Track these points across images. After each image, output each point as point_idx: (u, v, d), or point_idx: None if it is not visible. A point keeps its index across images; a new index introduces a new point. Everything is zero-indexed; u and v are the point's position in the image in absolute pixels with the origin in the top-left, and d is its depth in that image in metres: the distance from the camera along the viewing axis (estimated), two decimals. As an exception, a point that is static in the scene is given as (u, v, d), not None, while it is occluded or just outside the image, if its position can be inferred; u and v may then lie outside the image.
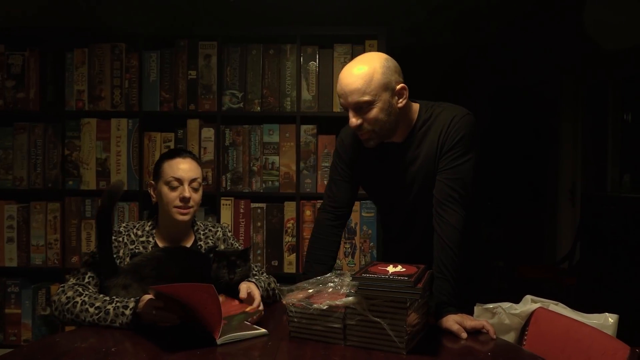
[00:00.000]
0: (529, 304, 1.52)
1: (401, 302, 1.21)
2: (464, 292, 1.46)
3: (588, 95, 4.65)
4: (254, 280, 1.55)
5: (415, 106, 1.54)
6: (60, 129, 2.59)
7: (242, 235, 2.56)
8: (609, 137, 4.19)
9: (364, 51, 2.55)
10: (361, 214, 2.53)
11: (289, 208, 2.56)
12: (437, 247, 1.45)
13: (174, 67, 2.59)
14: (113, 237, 1.59)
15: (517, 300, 1.56)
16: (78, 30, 2.65)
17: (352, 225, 2.52)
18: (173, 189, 1.59)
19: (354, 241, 2.54)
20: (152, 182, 1.67)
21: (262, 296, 1.50)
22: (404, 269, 1.29)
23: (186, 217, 1.61)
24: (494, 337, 1.35)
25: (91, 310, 1.39)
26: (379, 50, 2.53)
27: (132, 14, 3.19)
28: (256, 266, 1.71)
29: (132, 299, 1.38)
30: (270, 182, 2.57)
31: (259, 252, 2.56)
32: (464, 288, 1.47)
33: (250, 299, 1.45)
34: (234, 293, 1.46)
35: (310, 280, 1.41)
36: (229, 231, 1.77)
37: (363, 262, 2.53)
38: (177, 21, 3.33)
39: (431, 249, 1.47)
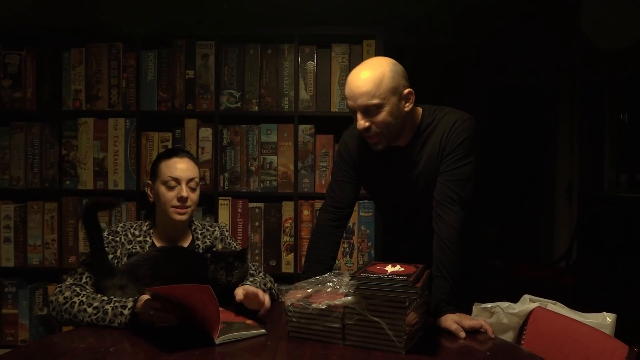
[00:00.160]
0: (527, 303, 1.52)
1: (400, 301, 1.21)
2: (462, 291, 1.47)
3: (585, 95, 4.66)
4: (248, 282, 1.54)
5: (419, 110, 1.57)
6: (57, 128, 2.58)
7: (240, 235, 2.56)
8: (606, 137, 4.20)
9: (361, 51, 2.56)
10: (359, 214, 2.53)
11: (287, 208, 2.56)
12: (436, 247, 1.47)
13: (171, 66, 2.58)
14: (110, 237, 1.59)
15: (514, 299, 1.57)
16: (75, 30, 2.64)
17: (350, 225, 2.52)
18: (170, 188, 1.59)
19: (352, 241, 2.54)
20: (150, 182, 1.67)
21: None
22: (402, 269, 1.29)
23: (184, 217, 1.60)
24: (493, 336, 1.36)
25: (89, 310, 1.38)
26: (376, 50, 2.54)
27: (129, 13, 3.18)
28: (253, 265, 1.71)
29: (130, 298, 1.38)
30: (268, 182, 2.57)
31: (256, 252, 2.56)
32: (462, 287, 1.48)
33: (250, 298, 1.43)
34: (231, 294, 1.46)
35: (309, 280, 1.41)
36: (227, 231, 1.77)
37: (361, 262, 2.53)
38: (175, 20, 3.33)
39: (431, 250, 1.48)
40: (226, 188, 2.58)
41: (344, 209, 1.68)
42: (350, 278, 1.29)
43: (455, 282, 1.43)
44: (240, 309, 1.43)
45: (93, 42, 2.59)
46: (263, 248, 2.56)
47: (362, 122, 1.46)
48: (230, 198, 2.57)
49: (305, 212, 2.55)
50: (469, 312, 1.51)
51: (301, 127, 2.56)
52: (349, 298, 1.27)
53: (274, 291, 1.64)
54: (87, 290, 1.47)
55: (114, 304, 1.37)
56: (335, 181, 1.69)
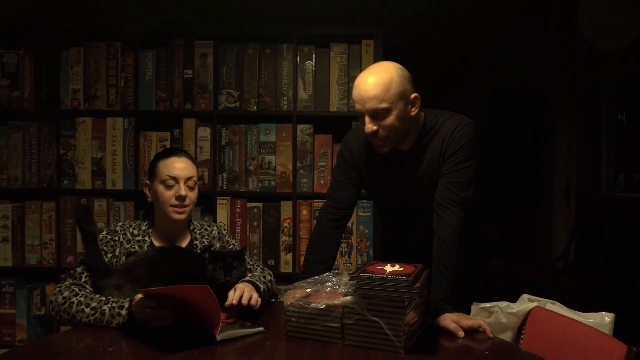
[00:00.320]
0: (525, 303, 1.52)
1: (399, 301, 1.21)
2: (460, 290, 1.48)
3: (583, 95, 4.67)
4: (250, 278, 1.54)
5: (422, 114, 1.58)
6: (55, 128, 2.58)
7: (239, 234, 2.55)
8: (604, 137, 4.21)
9: (360, 51, 2.56)
10: (358, 214, 2.53)
11: (286, 207, 2.56)
12: (435, 247, 1.49)
13: (170, 66, 2.58)
14: (109, 237, 1.59)
15: (512, 299, 1.57)
16: (73, 29, 2.64)
17: (349, 224, 2.51)
18: (169, 187, 1.59)
19: (350, 240, 2.54)
20: (148, 181, 1.67)
21: (263, 290, 1.52)
22: (401, 269, 1.30)
23: (182, 216, 1.60)
24: (491, 336, 1.36)
25: (87, 310, 1.38)
26: (375, 50, 2.54)
27: (128, 12, 3.17)
28: (251, 260, 1.72)
29: (127, 298, 1.38)
30: (266, 182, 2.57)
31: (255, 251, 2.56)
32: (461, 287, 1.49)
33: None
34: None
35: (308, 280, 1.41)
36: (225, 229, 1.77)
37: (359, 262, 2.53)
38: (173, 20, 3.32)
39: (430, 250, 1.49)
40: (224, 188, 2.58)
41: (344, 210, 1.70)
42: (349, 278, 1.29)
43: (454, 282, 1.44)
44: (238, 311, 1.42)
45: (91, 42, 2.59)
46: (261, 248, 2.56)
47: (370, 126, 1.47)
48: (228, 198, 2.56)
49: (304, 212, 2.55)
50: (467, 311, 1.51)
51: (300, 126, 2.56)
52: (348, 298, 1.27)
53: (273, 285, 1.63)
54: (86, 290, 1.46)
55: (111, 304, 1.37)
56: (337, 182, 1.70)
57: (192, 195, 1.63)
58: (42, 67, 2.59)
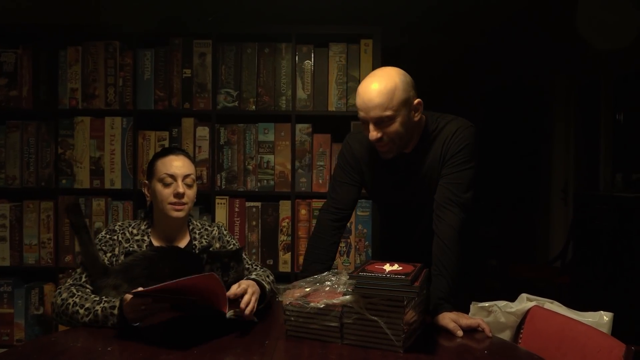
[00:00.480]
0: (524, 302, 1.53)
1: (398, 300, 1.21)
2: (459, 290, 1.49)
3: (580, 95, 4.68)
4: (256, 277, 1.53)
5: (423, 117, 1.59)
6: (53, 127, 2.57)
7: (237, 234, 2.55)
8: (601, 137, 4.22)
9: (359, 50, 2.56)
10: (356, 213, 2.53)
11: (284, 207, 2.56)
12: (435, 247, 1.50)
13: (168, 65, 2.57)
14: (108, 236, 1.59)
15: (511, 299, 1.57)
16: (72, 28, 2.63)
17: (348, 224, 2.51)
18: (167, 185, 1.59)
19: (349, 240, 2.54)
20: (146, 181, 1.67)
21: (268, 290, 1.52)
22: (400, 268, 1.30)
23: (181, 214, 1.60)
24: (490, 335, 1.37)
25: (81, 311, 1.38)
26: (374, 49, 2.54)
27: (126, 11, 3.17)
28: (250, 260, 1.71)
29: (118, 298, 1.38)
30: (265, 181, 2.57)
31: (253, 251, 2.56)
32: (460, 286, 1.50)
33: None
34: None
35: (308, 279, 1.41)
36: (225, 229, 1.77)
37: (358, 261, 2.53)
38: (172, 19, 3.32)
39: (429, 251, 1.50)
40: (223, 187, 2.57)
41: (345, 210, 1.71)
42: (348, 277, 1.30)
43: (453, 281, 1.45)
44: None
45: (90, 41, 2.58)
46: (260, 247, 2.56)
47: (374, 133, 1.48)
48: (227, 197, 2.56)
49: (303, 212, 2.55)
50: (466, 311, 1.52)
51: (298, 126, 2.56)
52: (348, 297, 1.27)
53: (273, 285, 1.62)
54: (85, 290, 1.46)
55: (103, 304, 1.37)
56: (338, 182, 1.71)
57: (191, 193, 1.63)
58: (40, 66, 2.59)
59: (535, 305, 1.49)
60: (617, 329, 1.40)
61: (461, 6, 3.58)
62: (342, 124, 2.55)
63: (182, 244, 1.66)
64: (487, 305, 1.53)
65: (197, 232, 1.70)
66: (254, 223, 2.56)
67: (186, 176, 1.62)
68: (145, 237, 1.62)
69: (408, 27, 4.00)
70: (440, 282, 1.45)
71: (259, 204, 2.56)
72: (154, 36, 2.61)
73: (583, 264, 3.82)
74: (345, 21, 3.19)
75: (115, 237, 1.59)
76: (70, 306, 1.40)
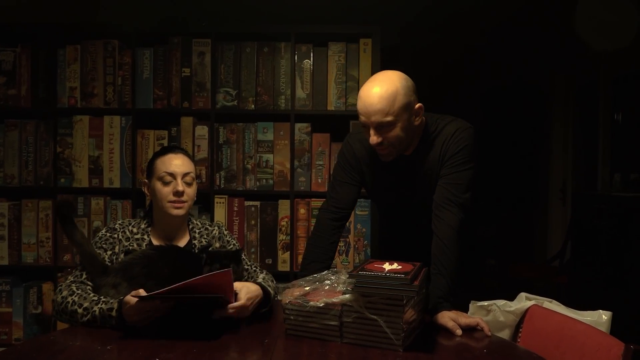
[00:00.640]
0: (523, 301, 1.53)
1: (398, 299, 1.22)
2: (458, 289, 1.49)
3: (579, 95, 4.68)
4: (263, 283, 1.53)
5: (423, 120, 1.60)
6: (52, 126, 2.57)
7: (236, 233, 2.55)
8: (600, 137, 4.22)
9: (358, 50, 2.56)
10: (355, 212, 2.53)
11: (283, 206, 2.56)
12: (434, 246, 1.50)
13: (167, 64, 2.57)
14: (109, 234, 1.59)
15: (509, 298, 1.57)
16: (70, 27, 2.63)
17: (347, 223, 2.51)
18: (166, 184, 1.59)
19: (348, 239, 2.54)
20: (146, 180, 1.67)
21: (272, 297, 1.51)
22: (400, 267, 1.30)
23: (180, 212, 1.60)
24: (489, 334, 1.37)
25: (80, 311, 1.38)
26: (373, 48, 2.54)
27: (125, 10, 3.16)
28: (249, 261, 1.71)
29: (115, 300, 1.37)
30: (264, 180, 2.57)
31: (252, 250, 2.56)
32: (458, 285, 1.50)
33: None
34: None
35: (307, 278, 1.41)
36: (225, 229, 1.77)
37: (357, 260, 2.53)
38: (171, 17, 3.32)
39: (428, 251, 1.50)
40: (222, 186, 2.57)
41: (345, 210, 1.71)
42: (348, 276, 1.30)
43: (452, 280, 1.46)
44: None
45: (88, 40, 2.58)
46: (259, 246, 2.56)
47: (374, 138, 1.49)
48: (226, 196, 2.56)
49: (302, 211, 2.55)
50: (465, 310, 1.52)
51: (297, 125, 2.56)
52: (347, 296, 1.27)
53: (276, 292, 1.61)
54: (86, 288, 1.45)
55: (101, 305, 1.36)
56: (338, 182, 1.72)
57: (190, 192, 1.63)
58: (39, 65, 2.58)
59: (534, 305, 1.49)
60: (616, 328, 1.40)
61: (460, 6, 3.58)
62: (341, 123, 2.55)
63: (182, 243, 1.66)
64: (486, 304, 1.53)
65: (197, 231, 1.70)
66: (253, 222, 2.56)
67: (185, 174, 1.62)
68: (145, 236, 1.62)
69: (407, 27, 4.00)
70: (440, 281, 1.45)
71: (258, 203, 2.56)
72: (153, 35, 2.61)
73: (581, 263, 3.82)
74: (344, 21, 3.18)
75: (116, 236, 1.59)
76: (70, 305, 1.39)
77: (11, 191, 2.59)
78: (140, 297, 1.28)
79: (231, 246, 1.72)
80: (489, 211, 5.23)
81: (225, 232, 1.74)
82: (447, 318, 1.38)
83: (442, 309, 1.41)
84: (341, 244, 2.53)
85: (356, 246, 2.55)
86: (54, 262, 2.55)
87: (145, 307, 1.30)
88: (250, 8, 3.34)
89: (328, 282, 1.36)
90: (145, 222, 1.65)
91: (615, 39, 3.49)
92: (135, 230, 1.62)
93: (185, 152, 1.68)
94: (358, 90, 1.55)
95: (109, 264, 1.53)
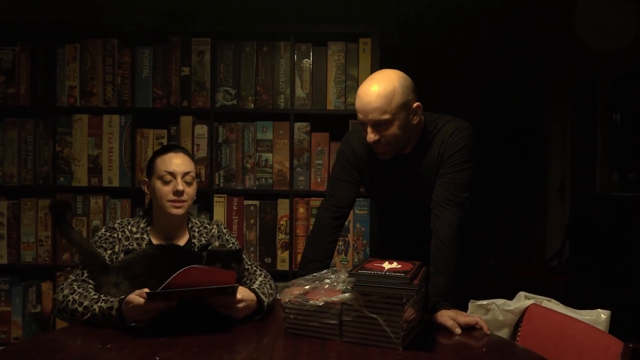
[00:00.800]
0: (522, 300, 1.53)
1: (397, 298, 1.22)
2: (456, 288, 1.49)
3: (577, 95, 4.69)
4: (258, 290, 1.51)
5: (422, 119, 1.60)
6: (51, 125, 2.56)
7: (236, 232, 2.55)
8: (598, 137, 4.23)
9: (357, 49, 2.56)
10: (355, 212, 2.54)
11: (283, 205, 2.56)
12: (433, 245, 1.51)
13: (167, 63, 2.57)
14: (108, 234, 1.59)
15: (508, 298, 1.58)
16: (70, 26, 2.63)
17: (346, 222, 2.51)
18: (166, 183, 1.59)
19: (347, 239, 2.55)
20: (146, 179, 1.66)
21: (266, 305, 1.48)
22: (399, 266, 1.30)
23: (180, 211, 1.60)
24: (488, 333, 1.37)
25: (80, 309, 1.38)
26: (372, 48, 2.54)
27: (125, 9, 3.16)
28: (249, 261, 1.71)
29: (115, 299, 1.37)
30: (263, 180, 2.57)
31: (252, 249, 2.56)
32: (457, 284, 1.50)
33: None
34: None
35: (307, 277, 1.41)
36: (224, 228, 1.77)
37: (356, 260, 2.53)
38: (171, 16, 3.32)
39: (427, 250, 1.50)
40: (221, 185, 2.57)
41: (344, 209, 1.71)
42: (347, 275, 1.30)
43: (451, 279, 1.46)
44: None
45: (88, 38, 2.57)
46: (258, 245, 2.56)
47: (372, 136, 1.49)
48: (225, 195, 2.56)
49: (301, 210, 2.55)
50: (464, 309, 1.52)
51: (297, 124, 2.56)
52: (347, 295, 1.27)
53: (273, 299, 1.58)
54: (87, 286, 1.45)
55: (101, 303, 1.36)
56: (337, 180, 1.72)
57: (190, 191, 1.63)
58: (38, 64, 2.58)
59: (533, 304, 1.50)
60: (615, 327, 1.40)
61: (459, 6, 3.59)
62: (341, 122, 2.55)
63: (182, 241, 1.66)
64: (485, 303, 1.54)
65: (196, 230, 1.70)
66: (252, 221, 2.56)
67: (186, 174, 1.62)
68: (145, 235, 1.62)
69: (406, 27, 4.01)
70: (439, 280, 1.45)
71: (257, 202, 2.56)
72: (152, 34, 2.60)
73: (580, 262, 3.83)
74: (344, 20, 3.19)
75: (115, 235, 1.59)
76: (70, 303, 1.40)
77: (10, 190, 2.59)
78: (151, 294, 1.27)
79: (230, 245, 1.72)
80: (488, 211, 5.24)
81: (224, 231, 1.74)
82: (447, 317, 1.38)
83: (442, 307, 1.41)
84: (340, 243, 2.54)
85: (355, 245, 2.55)
86: (53, 261, 2.55)
87: (150, 307, 1.29)
88: (250, 7, 3.34)
89: (328, 281, 1.36)
90: (144, 221, 1.65)
91: (615, 39, 3.49)
92: (134, 229, 1.62)
93: (185, 151, 1.68)
94: (357, 89, 1.56)
95: (110, 263, 1.53)
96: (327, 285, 1.34)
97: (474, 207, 1.63)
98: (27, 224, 2.56)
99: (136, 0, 3.18)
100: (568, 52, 4.54)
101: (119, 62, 2.57)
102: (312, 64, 2.57)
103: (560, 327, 1.36)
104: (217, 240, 1.71)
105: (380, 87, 1.46)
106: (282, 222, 2.56)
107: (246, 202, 2.56)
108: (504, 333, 1.51)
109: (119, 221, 1.64)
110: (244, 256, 1.68)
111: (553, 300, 1.52)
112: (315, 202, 2.53)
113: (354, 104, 1.52)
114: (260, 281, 1.60)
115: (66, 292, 1.43)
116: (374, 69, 2.50)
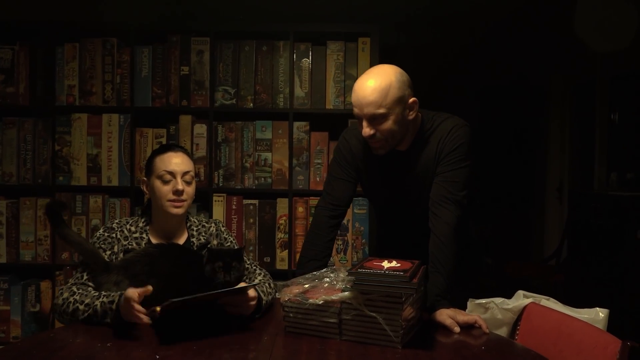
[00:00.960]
0: (521, 299, 1.54)
1: (397, 296, 1.22)
2: (455, 287, 1.50)
3: (576, 95, 4.70)
4: (259, 288, 1.51)
5: (419, 115, 1.60)
6: (50, 124, 2.56)
7: (235, 231, 2.56)
8: (596, 136, 4.24)
9: (357, 48, 2.56)
10: (353, 211, 2.54)
11: (282, 205, 2.56)
12: (431, 244, 1.51)
13: (166, 62, 2.57)
14: (107, 234, 1.58)
15: (506, 297, 1.58)
16: (69, 25, 2.62)
17: (345, 222, 2.52)
18: (166, 182, 1.59)
19: (346, 238, 2.55)
20: (145, 178, 1.66)
21: (265, 303, 1.49)
22: (399, 265, 1.31)
23: (180, 211, 1.60)
24: (487, 331, 1.38)
25: (81, 307, 1.38)
26: (371, 47, 2.55)
27: (124, 8, 3.16)
28: (248, 260, 1.71)
29: (117, 293, 1.37)
30: (262, 179, 2.57)
31: (251, 248, 2.56)
32: (456, 283, 1.51)
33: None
34: None
35: (306, 276, 1.42)
36: (223, 226, 1.77)
37: (355, 259, 2.54)
38: (170, 14, 3.32)
39: (426, 248, 1.50)
40: (221, 184, 2.58)
41: (341, 207, 1.71)
42: (347, 273, 1.30)
43: (449, 278, 1.46)
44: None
45: (87, 37, 2.57)
46: (257, 245, 2.57)
47: (367, 130, 1.50)
48: (224, 195, 2.56)
49: (300, 209, 2.56)
50: (463, 308, 1.53)
51: (296, 124, 2.56)
52: (346, 293, 1.28)
53: (273, 298, 1.59)
54: (87, 288, 1.46)
55: (102, 299, 1.37)
56: (334, 178, 1.72)
57: (190, 190, 1.63)
58: (37, 63, 2.58)
59: (531, 302, 1.50)
60: (613, 325, 1.41)
61: (458, 5, 3.59)
62: (340, 121, 2.55)
63: (181, 240, 1.67)
64: (484, 302, 1.54)
65: (195, 228, 1.70)
66: (252, 220, 2.57)
67: (185, 173, 1.62)
68: (144, 235, 1.62)
69: (406, 26, 4.02)
70: (437, 279, 1.46)
71: (256, 201, 2.57)
72: (151, 33, 2.60)
73: (578, 262, 3.84)
74: (343, 19, 3.20)
75: (114, 235, 1.59)
76: (71, 304, 1.40)
77: (9, 189, 2.59)
78: (163, 308, 1.23)
79: (229, 243, 1.72)
80: (486, 210, 5.25)
81: (223, 229, 1.74)
82: (445, 315, 1.39)
83: (440, 306, 1.42)
84: (339, 242, 2.54)
85: (354, 244, 2.56)
86: (52, 260, 2.55)
87: (141, 311, 1.28)
88: (249, 7, 3.34)
89: (327, 279, 1.37)
90: (143, 220, 1.65)
91: (614, 39, 3.50)
92: (133, 228, 1.62)
93: (184, 151, 1.68)
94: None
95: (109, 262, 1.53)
96: (326, 284, 1.35)
97: (472, 206, 1.64)
98: (26, 223, 2.56)
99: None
100: (567, 52, 4.54)
101: (118, 62, 2.57)
102: (312, 64, 2.58)
103: (558, 326, 1.37)
104: (215, 239, 1.71)
105: (376, 82, 1.46)
106: (281, 222, 2.56)
107: (245, 202, 2.57)
108: (502, 332, 1.51)
109: (117, 221, 1.64)
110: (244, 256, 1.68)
111: (552, 299, 1.53)
112: (315, 201, 2.53)
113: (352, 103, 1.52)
114: (260, 280, 1.60)
115: (66, 295, 1.43)
116: (373, 68, 2.50)
